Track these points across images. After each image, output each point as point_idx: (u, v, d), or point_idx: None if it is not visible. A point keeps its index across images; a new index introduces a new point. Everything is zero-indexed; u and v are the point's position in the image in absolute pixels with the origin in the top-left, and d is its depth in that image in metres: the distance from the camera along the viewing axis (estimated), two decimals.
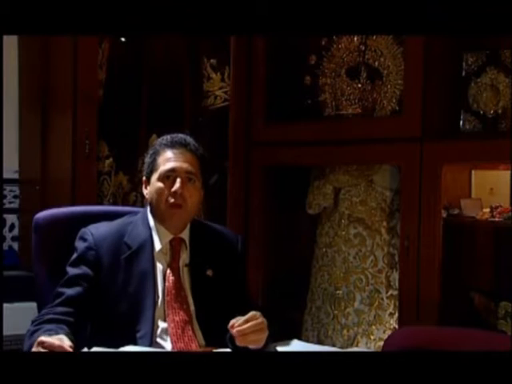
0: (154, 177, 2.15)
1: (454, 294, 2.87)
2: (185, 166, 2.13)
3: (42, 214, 2.27)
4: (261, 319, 1.95)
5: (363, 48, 3.13)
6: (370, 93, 3.12)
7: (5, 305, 2.80)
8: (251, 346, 1.95)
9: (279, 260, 3.31)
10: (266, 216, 3.28)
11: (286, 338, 2.11)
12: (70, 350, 1.76)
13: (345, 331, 3.12)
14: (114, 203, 3.33)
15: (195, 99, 3.56)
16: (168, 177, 2.13)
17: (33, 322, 2.00)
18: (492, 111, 2.86)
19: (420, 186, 2.76)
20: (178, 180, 2.12)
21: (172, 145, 2.16)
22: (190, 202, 2.13)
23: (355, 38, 3.14)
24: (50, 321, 1.96)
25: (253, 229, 3.25)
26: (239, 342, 1.93)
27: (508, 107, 2.82)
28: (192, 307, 2.13)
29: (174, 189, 2.11)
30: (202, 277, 2.16)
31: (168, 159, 2.14)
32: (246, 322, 1.93)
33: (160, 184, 2.13)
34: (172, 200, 2.12)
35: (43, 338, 1.78)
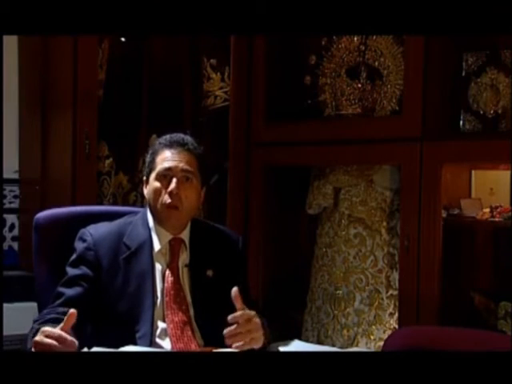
0: (152, 176, 2.15)
1: (454, 294, 2.87)
2: (181, 165, 2.13)
3: (42, 214, 2.27)
4: (246, 321, 1.93)
5: (363, 48, 3.13)
6: (370, 93, 3.12)
7: (5, 305, 2.81)
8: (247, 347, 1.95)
9: (279, 260, 3.31)
10: (266, 216, 3.28)
11: (286, 338, 2.11)
12: (71, 342, 1.76)
13: (345, 331, 3.12)
14: (114, 203, 3.33)
15: (195, 99, 3.56)
16: (165, 176, 2.13)
17: (35, 321, 2.00)
18: (492, 111, 2.86)
19: (420, 186, 2.76)
20: (174, 180, 2.11)
21: (170, 144, 2.16)
22: (186, 202, 2.13)
23: (355, 38, 3.14)
24: (52, 320, 1.95)
25: (253, 229, 3.25)
26: (229, 343, 1.91)
27: (508, 107, 2.82)
28: (191, 308, 2.13)
29: (169, 189, 2.11)
30: (201, 277, 2.16)
31: (165, 159, 2.14)
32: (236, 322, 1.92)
33: (157, 183, 2.14)
34: (168, 200, 2.11)
35: (47, 328, 1.78)
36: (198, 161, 2.18)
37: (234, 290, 1.96)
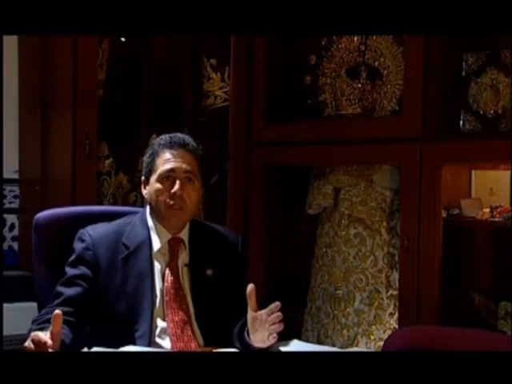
0: (153, 177, 2.15)
1: (454, 294, 2.87)
2: (184, 166, 2.13)
3: (42, 214, 2.27)
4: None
5: (363, 48, 3.13)
6: (370, 93, 3.12)
7: (5, 305, 2.80)
8: (265, 344, 1.97)
9: (279, 260, 3.31)
10: (266, 216, 3.27)
11: (286, 338, 2.11)
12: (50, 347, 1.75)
13: (345, 331, 3.12)
14: (114, 203, 3.34)
15: (195, 99, 3.56)
16: (167, 178, 2.13)
17: (33, 321, 2.01)
18: (492, 111, 2.86)
19: (420, 186, 2.75)
20: (178, 182, 2.12)
21: (171, 145, 2.16)
22: (189, 203, 2.14)
23: (355, 38, 3.14)
24: (50, 321, 1.95)
25: (253, 229, 3.25)
26: (272, 331, 1.94)
27: (508, 107, 2.82)
28: (191, 307, 2.13)
29: (173, 190, 2.11)
30: (201, 276, 2.17)
31: (167, 160, 2.14)
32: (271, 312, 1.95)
33: (159, 185, 2.13)
34: (171, 202, 2.12)
35: (37, 333, 1.77)
36: (199, 161, 2.18)
37: (251, 286, 1.97)
